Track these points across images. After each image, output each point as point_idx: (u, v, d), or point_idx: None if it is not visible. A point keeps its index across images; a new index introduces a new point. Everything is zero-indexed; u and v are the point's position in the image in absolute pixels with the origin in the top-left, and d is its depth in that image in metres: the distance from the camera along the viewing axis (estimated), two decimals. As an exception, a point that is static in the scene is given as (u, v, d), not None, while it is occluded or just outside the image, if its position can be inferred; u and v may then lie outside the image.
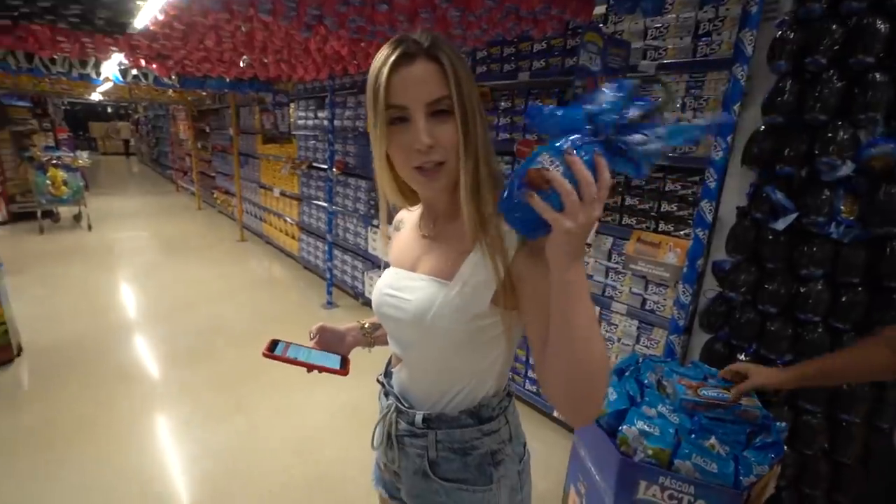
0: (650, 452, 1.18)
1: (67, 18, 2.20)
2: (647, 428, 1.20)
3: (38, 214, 5.99)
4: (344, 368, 0.87)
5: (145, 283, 4.40)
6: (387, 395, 0.87)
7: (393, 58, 0.64)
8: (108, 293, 4.12)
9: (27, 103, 6.91)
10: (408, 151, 0.66)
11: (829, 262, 1.39)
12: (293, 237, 5.13)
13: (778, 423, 1.25)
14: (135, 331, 3.39)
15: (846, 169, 1.31)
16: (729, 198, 1.65)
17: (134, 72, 3.93)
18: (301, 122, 4.56)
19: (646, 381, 1.45)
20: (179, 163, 10.24)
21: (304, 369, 0.85)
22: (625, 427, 1.23)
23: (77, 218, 6.52)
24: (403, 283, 0.78)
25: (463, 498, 0.77)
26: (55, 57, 3.30)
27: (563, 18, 1.79)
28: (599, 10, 1.90)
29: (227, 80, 4.09)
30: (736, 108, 1.42)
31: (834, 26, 1.28)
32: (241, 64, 3.16)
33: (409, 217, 0.89)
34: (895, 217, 1.29)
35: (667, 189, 1.85)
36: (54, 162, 6.08)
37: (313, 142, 4.44)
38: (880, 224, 1.31)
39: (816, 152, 1.33)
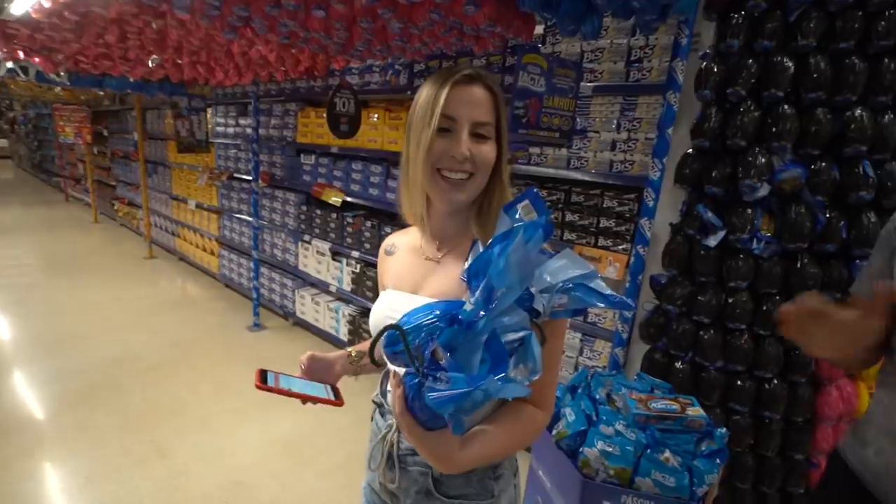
0: (612, 472, 1.19)
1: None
2: (607, 448, 1.21)
3: None
4: (338, 399, 0.88)
5: (26, 311, 3.76)
6: (383, 415, 0.89)
7: (457, 76, 0.76)
8: (-24, 326, 3.45)
9: None
10: (441, 156, 0.76)
11: (751, 275, 1.52)
12: (212, 253, 4.69)
13: (719, 430, 1.32)
14: (11, 370, 2.86)
15: (763, 190, 1.44)
16: (662, 215, 1.75)
17: (9, 64, 3.37)
18: (220, 129, 4.20)
19: (597, 397, 1.48)
20: (70, 169, 9.01)
21: (295, 400, 0.83)
22: (586, 449, 1.23)
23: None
24: (408, 306, 0.76)
25: None
26: None
27: (505, 37, 1.80)
28: (538, 30, 1.94)
29: (131, 79, 3.65)
30: (669, 130, 1.50)
31: (750, 61, 1.41)
32: (150, 64, 2.83)
33: (402, 241, 0.93)
34: (803, 233, 1.44)
35: (605, 205, 1.93)
36: None
37: (234, 151, 4.11)
38: (791, 240, 1.45)
39: (740, 175, 1.45)
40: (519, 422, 0.76)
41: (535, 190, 0.69)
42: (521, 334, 0.59)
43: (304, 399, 0.84)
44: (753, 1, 1.36)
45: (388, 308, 0.83)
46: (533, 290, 0.61)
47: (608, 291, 0.64)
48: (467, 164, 0.76)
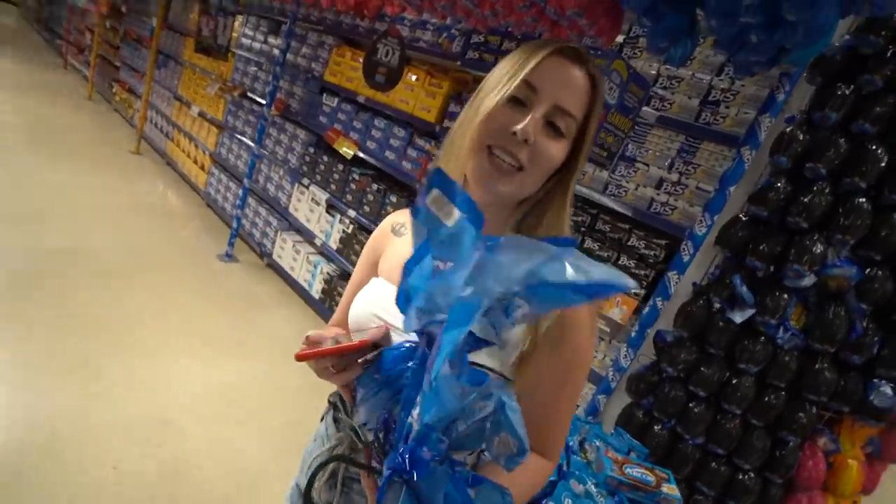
0: (572, 537, 1.08)
1: None
2: (574, 509, 1.10)
3: None
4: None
5: (-11, 173, 3.46)
6: (336, 420, 0.73)
7: (561, 46, 0.61)
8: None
9: None
10: (499, 129, 0.60)
11: (765, 362, 1.41)
12: (202, 167, 4.43)
13: (690, 516, 1.23)
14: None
15: (808, 280, 1.32)
16: (688, 272, 1.62)
17: None
18: (246, 41, 3.90)
19: (570, 443, 1.37)
20: (76, 36, 8.44)
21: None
22: (551, 502, 1.11)
23: None
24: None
25: None
26: None
27: (585, 33, 1.62)
28: (618, 38, 1.77)
29: (164, -42, 3.32)
30: (731, 189, 1.37)
31: (842, 140, 1.27)
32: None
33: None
34: (835, 337, 1.33)
35: (629, 243, 1.79)
36: None
37: (254, 69, 3.83)
38: (820, 340, 1.35)
39: (791, 258, 1.32)
40: (520, 475, 0.59)
41: (440, 171, 0.44)
42: (490, 407, 0.43)
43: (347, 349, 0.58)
44: (869, 76, 1.22)
45: (378, 307, 0.66)
46: (484, 318, 0.41)
47: (583, 278, 0.36)
48: (524, 150, 0.60)
